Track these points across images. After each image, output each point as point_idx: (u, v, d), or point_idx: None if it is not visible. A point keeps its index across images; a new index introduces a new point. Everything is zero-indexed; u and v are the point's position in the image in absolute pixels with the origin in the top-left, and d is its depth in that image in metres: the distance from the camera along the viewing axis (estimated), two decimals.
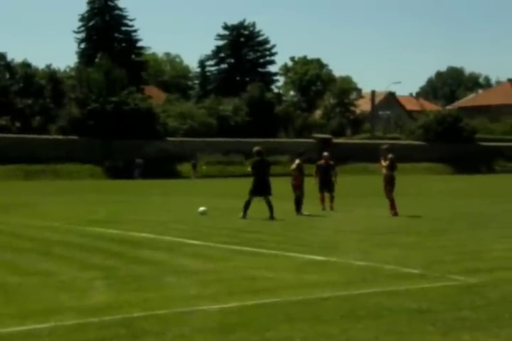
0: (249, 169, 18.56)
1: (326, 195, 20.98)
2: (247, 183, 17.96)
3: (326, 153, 21.74)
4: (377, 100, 79.99)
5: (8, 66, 64.04)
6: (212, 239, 13.13)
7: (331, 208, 20.51)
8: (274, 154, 56.19)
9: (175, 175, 51.16)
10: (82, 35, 77.83)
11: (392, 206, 18.84)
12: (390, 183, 19.07)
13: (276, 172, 51.38)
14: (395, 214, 18.67)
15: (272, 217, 17.40)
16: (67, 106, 56.67)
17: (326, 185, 20.99)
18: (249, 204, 17.69)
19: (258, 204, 18.03)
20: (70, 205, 23.04)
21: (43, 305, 7.44)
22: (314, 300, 7.74)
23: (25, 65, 64.62)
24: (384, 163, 19.18)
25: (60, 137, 53.37)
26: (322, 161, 21.43)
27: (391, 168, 19.15)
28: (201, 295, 7.93)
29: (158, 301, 7.59)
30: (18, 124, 55.69)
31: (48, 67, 66.79)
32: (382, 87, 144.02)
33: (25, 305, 7.38)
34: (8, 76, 63.08)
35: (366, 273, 9.50)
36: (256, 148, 18.45)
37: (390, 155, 19.25)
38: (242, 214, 17.54)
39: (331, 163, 21.45)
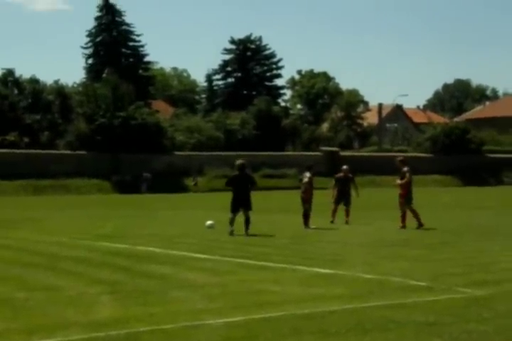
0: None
1: (341, 207, 20.90)
2: (254, 196, 17.90)
3: (345, 166, 21.61)
4: (384, 113, 79.98)
5: (17, 82, 64.48)
6: (218, 253, 13.13)
7: (346, 222, 20.39)
8: (282, 167, 56.29)
9: (182, 189, 51.19)
10: (89, 51, 78.30)
11: (403, 218, 18.78)
12: (404, 196, 19.00)
13: (283, 186, 51.68)
14: (404, 227, 18.63)
15: (246, 233, 16.76)
16: (75, 122, 56.89)
17: (344, 198, 20.93)
18: (233, 220, 17.07)
19: (262, 217, 18.01)
20: (77, 220, 23.09)
21: (49, 320, 7.44)
22: (321, 313, 7.72)
23: (34, 81, 65.06)
24: (398, 181, 19.21)
25: (68, 152, 53.54)
26: (341, 174, 21.34)
27: (409, 180, 19.10)
28: (207, 309, 7.92)
29: (164, 315, 7.59)
30: (26, 140, 55.92)
31: (56, 82, 67.33)
32: (389, 100, 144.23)
33: (32, 320, 7.40)
34: (16, 92, 63.49)
35: (373, 286, 9.48)
36: (238, 162, 17.76)
37: (405, 168, 19.19)
38: (230, 229, 16.88)
39: (350, 175, 21.36)
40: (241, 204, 17.17)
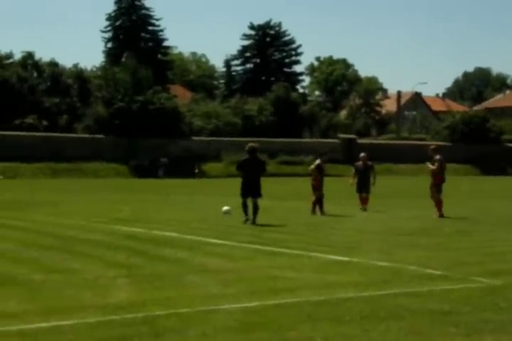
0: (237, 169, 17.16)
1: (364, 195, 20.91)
2: (271, 183, 17.96)
3: (362, 154, 21.40)
4: (403, 100, 79.59)
5: (36, 65, 64.69)
6: (234, 239, 13.16)
7: (364, 209, 20.46)
8: (299, 154, 56.25)
9: (204, 173, 51.30)
10: (109, 35, 78.39)
11: (439, 207, 18.61)
12: (437, 185, 18.86)
13: (300, 173, 51.63)
14: (441, 215, 18.47)
15: (254, 221, 16.22)
16: (93, 105, 57.08)
17: (364, 186, 20.89)
18: (245, 205, 16.59)
19: (278, 204, 18.02)
20: (95, 203, 23.22)
21: (66, 302, 7.51)
22: (336, 300, 7.73)
23: (53, 64, 65.22)
24: (431, 166, 19.00)
25: (87, 136, 53.77)
26: (360, 162, 21.21)
27: (440, 168, 18.92)
28: (223, 294, 7.95)
29: (180, 300, 7.63)
30: (45, 123, 56.19)
31: (75, 66, 67.49)
32: (408, 88, 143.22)
33: (48, 302, 7.46)
34: (35, 75, 63.69)
35: (388, 274, 9.47)
36: (249, 145, 17.07)
37: (437, 156, 19.00)
38: (244, 217, 16.45)
39: (369, 163, 21.22)
40: (250, 190, 16.60)
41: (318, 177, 19.63)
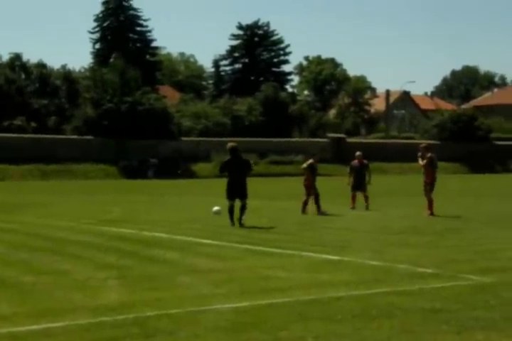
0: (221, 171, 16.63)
1: (359, 194, 21.04)
2: (260, 182, 17.95)
3: (358, 153, 21.67)
4: (391, 99, 79.77)
5: (24, 66, 64.39)
6: (225, 239, 13.15)
7: (367, 208, 20.55)
8: (289, 154, 56.24)
9: (189, 174, 51.25)
10: (96, 36, 78.13)
11: (430, 206, 18.67)
12: (430, 183, 18.92)
13: (290, 172, 51.65)
14: (432, 214, 18.54)
15: (240, 222, 15.64)
16: (82, 106, 56.89)
17: (360, 185, 21.03)
18: (232, 210, 15.84)
19: (269, 204, 18.02)
20: (85, 205, 23.15)
21: (57, 304, 7.48)
22: (327, 299, 7.74)
23: (41, 66, 64.96)
24: (421, 162, 19.05)
25: (75, 137, 53.58)
26: (355, 161, 21.40)
27: (431, 166, 18.99)
28: (214, 295, 7.95)
29: (171, 300, 7.62)
30: (33, 124, 55.92)
31: (63, 67, 67.20)
32: (396, 86, 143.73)
33: (39, 304, 7.43)
34: (23, 76, 63.41)
35: (379, 273, 9.49)
36: (229, 145, 16.40)
37: (429, 154, 19.07)
38: (229, 221, 15.76)
39: (365, 162, 21.40)
40: (236, 192, 15.91)
41: (310, 176, 19.70)
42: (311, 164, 19.87)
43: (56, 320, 6.72)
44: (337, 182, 21.06)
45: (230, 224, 15.64)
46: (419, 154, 19.26)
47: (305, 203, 19.45)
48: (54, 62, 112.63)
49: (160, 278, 9.06)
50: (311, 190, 19.51)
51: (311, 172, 19.78)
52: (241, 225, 15.53)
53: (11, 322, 6.65)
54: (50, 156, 48.85)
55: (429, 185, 18.89)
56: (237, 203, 15.97)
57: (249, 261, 10.57)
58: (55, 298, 7.78)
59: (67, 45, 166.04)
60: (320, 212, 19.10)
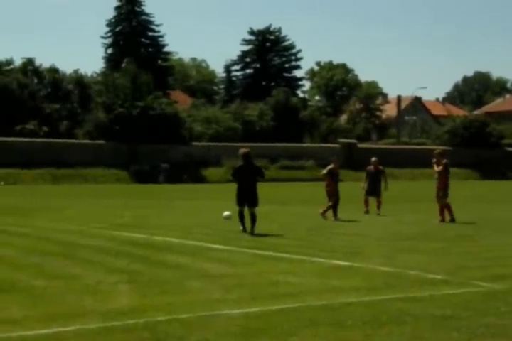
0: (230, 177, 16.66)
1: (372, 199, 21.16)
2: (271, 187, 17.95)
3: (374, 158, 21.91)
4: (403, 105, 79.63)
5: (37, 71, 64.72)
6: (236, 244, 13.15)
7: (378, 214, 20.62)
8: (300, 159, 56.24)
9: (200, 179, 51.31)
10: (109, 41, 78.47)
11: (441, 211, 18.63)
12: (443, 189, 18.89)
13: (301, 177, 51.62)
14: (443, 220, 18.51)
15: (252, 232, 15.05)
16: (93, 111, 57.10)
17: (374, 190, 21.16)
18: (242, 215, 15.50)
19: (279, 209, 17.97)
20: (95, 209, 23.21)
21: (67, 308, 7.50)
22: (338, 305, 7.73)
23: (53, 70, 65.26)
24: (437, 168, 19.06)
25: (87, 141, 53.77)
26: (371, 166, 21.62)
27: (445, 172, 18.99)
28: (224, 300, 7.95)
29: (181, 305, 7.63)
30: (45, 129, 56.15)
31: (76, 72, 67.53)
32: (408, 92, 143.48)
33: (50, 309, 7.46)
34: (36, 81, 63.73)
35: (390, 279, 9.47)
36: (242, 151, 15.95)
37: (444, 160, 19.10)
38: (240, 227, 15.49)
39: (380, 168, 21.60)
40: (246, 198, 15.46)
41: (331, 182, 19.70)
42: (330, 169, 19.87)
43: (67, 324, 6.74)
44: (348, 187, 21.00)
45: (241, 229, 15.36)
46: (434, 160, 19.25)
47: (333, 208, 19.44)
48: (66, 67, 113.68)
49: (171, 282, 9.08)
50: (333, 196, 19.52)
51: (332, 178, 19.77)
52: (252, 234, 14.99)
53: (21, 326, 6.68)
54: (62, 160, 49.04)
55: (443, 191, 18.85)
56: (246, 213, 15.51)
57: (260, 266, 10.56)
58: (66, 302, 7.80)
59: (80, 49, 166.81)
60: (336, 218, 19.10)
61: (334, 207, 19.41)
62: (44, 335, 6.35)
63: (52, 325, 6.68)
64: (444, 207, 18.74)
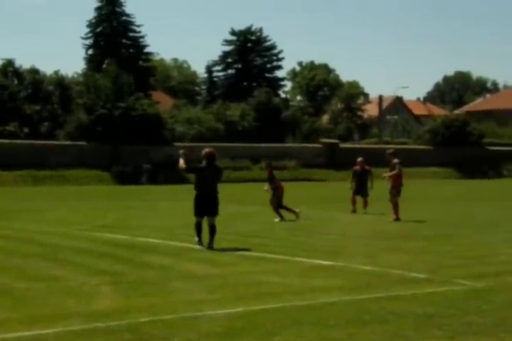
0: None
1: (359, 198, 21.46)
2: (254, 189, 17.94)
3: (360, 159, 22.28)
4: (384, 105, 79.91)
5: (17, 72, 64.26)
6: (218, 244, 13.14)
7: (365, 213, 20.93)
8: (283, 159, 56.27)
9: (183, 180, 51.23)
10: (89, 41, 78.11)
11: (395, 210, 18.86)
12: (395, 188, 19.14)
13: (284, 177, 51.61)
14: (397, 219, 18.72)
15: (210, 245, 12.79)
16: (75, 112, 56.77)
17: (361, 190, 21.50)
18: (200, 227, 13.12)
19: (260, 209, 17.95)
20: (77, 211, 23.10)
21: (50, 310, 7.47)
22: (320, 304, 7.76)
23: (33, 71, 64.83)
24: (388, 174, 19.26)
25: (68, 143, 53.46)
26: (357, 167, 21.96)
27: (399, 172, 19.21)
28: (207, 300, 7.96)
29: (164, 306, 7.62)
30: (26, 130, 55.77)
31: (56, 73, 67.02)
32: (389, 92, 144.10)
33: (32, 311, 7.42)
34: (16, 82, 63.28)
35: (372, 278, 9.52)
36: (205, 151, 13.63)
37: (395, 160, 19.34)
38: (196, 239, 13.07)
39: (367, 168, 21.92)
40: (207, 207, 13.02)
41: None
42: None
43: (49, 326, 6.71)
44: (332, 187, 21.08)
45: (197, 241, 12.99)
46: (385, 174, 19.57)
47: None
48: (47, 68, 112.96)
49: (154, 283, 9.06)
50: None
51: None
52: (211, 247, 12.73)
53: (3, 328, 6.64)
54: (43, 162, 48.71)
55: (395, 189, 19.12)
56: (207, 222, 13.16)
57: (243, 266, 10.58)
58: (48, 304, 7.77)
59: (60, 50, 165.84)
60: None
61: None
62: (26, 337, 6.33)
63: (34, 327, 6.65)
64: (394, 205, 18.95)
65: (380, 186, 20.54)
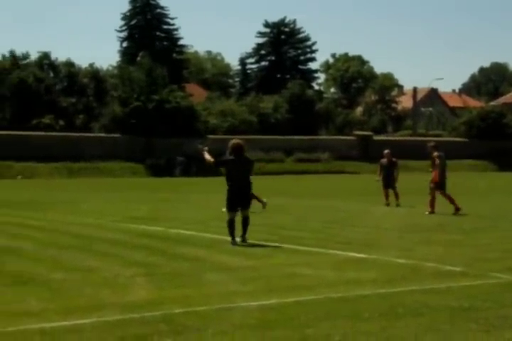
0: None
1: (390, 191, 21.43)
2: (286, 180, 17.90)
3: (386, 151, 22.17)
4: (419, 97, 79.22)
5: (52, 65, 64.91)
6: (251, 236, 13.13)
7: (398, 205, 20.87)
8: (315, 151, 56.14)
9: (215, 172, 51.36)
10: (124, 34, 78.61)
11: (431, 203, 18.69)
12: (434, 181, 18.93)
13: (316, 170, 51.56)
14: (432, 212, 18.55)
15: (243, 238, 12.46)
16: (109, 105, 57.22)
17: (389, 183, 21.51)
18: (233, 224, 12.53)
19: (294, 202, 17.93)
20: (112, 203, 23.30)
21: (85, 300, 7.55)
22: (354, 297, 7.72)
23: (69, 64, 65.42)
24: (431, 168, 19.19)
25: (103, 135, 53.92)
26: (384, 159, 21.92)
27: (435, 165, 19.05)
28: (241, 292, 7.97)
29: (198, 298, 7.66)
30: (61, 123, 56.36)
31: (91, 65, 67.62)
32: (424, 84, 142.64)
33: (68, 301, 7.51)
34: (52, 75, 63.95)
35: (406, 271, 9.45)
36: (233, 142, 12.98)
37: (435, 153, 19.13)
38: (230, 238, 12.45)
39: (393, 160, 21.89)
40: (239, 201, 12.65)
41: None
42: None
43: (85, 316, 6.78)
44: (365, 179, 21.01)
45: (231, 241, 12.38)
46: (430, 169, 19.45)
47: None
48: (82, 61, 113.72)
49: (187, 275, 9.11)
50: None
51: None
52: (244, 240, 12.46)
53: (40, 318, 6.73)
54: (78, 154, 49.22)
55: (434, 183, 18.97)
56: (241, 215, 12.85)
57: (276, 258, 10.58)
58: (84, 295, 7.85)
59: (95, 43, 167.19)
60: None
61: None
62: (63, 327, 6.40)
63: (70, 318, 6.73)
64: (447, 198, 18.76)
65: (414, 179, 20.38)
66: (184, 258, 10.60)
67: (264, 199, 19.20)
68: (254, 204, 18.03)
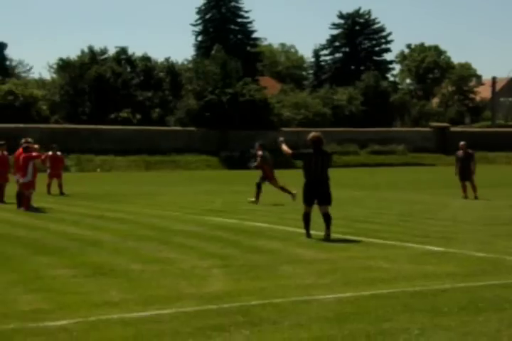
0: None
1: (467, 183, 21.10)
2: (361, 172, 17.75)
3: (462, 142, 21.85)
4: (498, 87, 77.29)
5: (129, 60, 66.01)
6: None
7: (475, 197, 20.53)
8: (390, 143, 55.51)
9: (290, 165, 51.38)
10: (199, 28, 79.27)
11: None
12: None
13: (391, 162, 50.95)
14: None
15: (327, 237, 11.96)
16: (184, 98, 57.88)
17: (465, 175, 21.21)
18: (308, 218, 12.35)
19: (370, 194, 17.74)
20: (188, 195, 23.59)
21: (164, 291, 7.68)
22: (433, 291, 7.62)
23: (145, 59, 66.40)
24: None
25: (179, 128, 54.60)
26: (460, 151, 21.64)
27: None
28: (317, 285, 7.96)
29: (274, 290, 7.69)
30: (138, 116, 57.35)
31: (167, 60, 68.47)
32: (503, 73, 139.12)
33: (147, 292, 7.65)
34: (129, 69, 65.05)
35: (486, 265, 9.26)
36: (312, 135, 12.68)
37: None
38: (305, 232, 12.34)
39: (470, 152, 21.58)
40: (316, 195, 12.25)
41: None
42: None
43: (164, 307, 6.90)
44: (442, 172, 20.65)
45: (306, 234, 12.27)
46: None
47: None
48: (158, 55, 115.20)
49: (263, 267, 9.15)
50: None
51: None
52: (328, 238, 11.96)
53: (120, 308, 6.88)
54: (154, 147, 50.01)
55: None
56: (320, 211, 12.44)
57: (352, 251, 10.52)
58: (162, 286, 7.99)
59: (171, 38, 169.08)
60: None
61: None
62: (143, 317, 6.53)
63: (150, 308, 6.85)
64: None
65: (489, 171, 19.94)
66: (259, 250, 10.65)
67: (294, 191, 19.03)
68: (283, 195, 17.92)
